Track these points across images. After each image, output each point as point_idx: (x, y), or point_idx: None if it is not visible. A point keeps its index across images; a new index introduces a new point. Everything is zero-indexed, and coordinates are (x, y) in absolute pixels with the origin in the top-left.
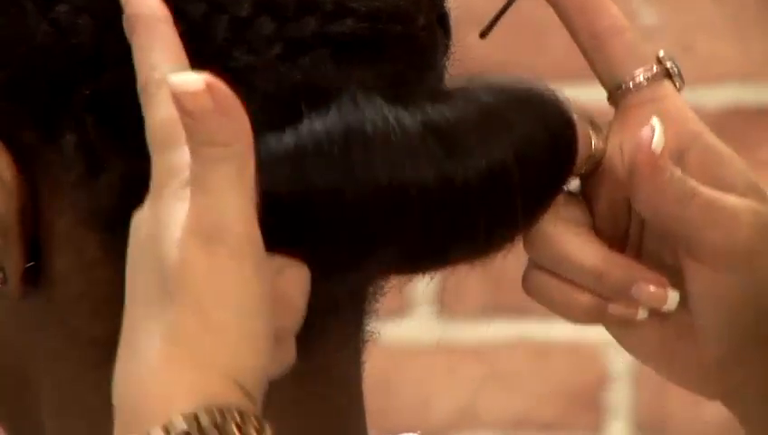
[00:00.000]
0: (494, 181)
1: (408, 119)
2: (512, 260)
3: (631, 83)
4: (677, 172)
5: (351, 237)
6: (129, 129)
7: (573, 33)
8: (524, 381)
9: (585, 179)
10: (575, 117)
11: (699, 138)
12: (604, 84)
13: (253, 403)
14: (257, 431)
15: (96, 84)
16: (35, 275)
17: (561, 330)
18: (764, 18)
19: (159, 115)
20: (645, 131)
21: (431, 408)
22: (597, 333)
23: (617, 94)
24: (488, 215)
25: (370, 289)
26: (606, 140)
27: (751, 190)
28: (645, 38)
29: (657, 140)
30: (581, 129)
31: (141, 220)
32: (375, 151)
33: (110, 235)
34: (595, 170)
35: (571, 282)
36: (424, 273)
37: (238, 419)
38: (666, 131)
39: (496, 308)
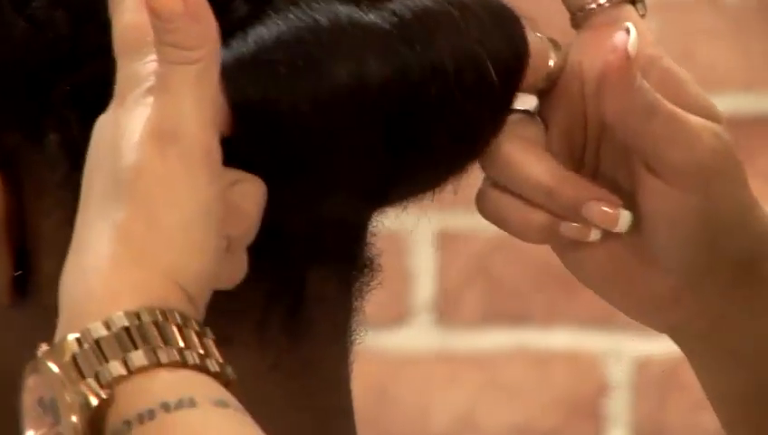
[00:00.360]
0: (443, 80)
1: (366, 14)
2: (510, 269)
3: (594, 4)
4: (645, 84)
5: (313, 146)
6: None
7: None
8: (524, 390)
9: (543, 99)
10: (534, 34)
11: (659, 61)
12: (567, 6)
13: (195, 308)
14: (197, 335)
15: (76, 79)
16: (24, 282)
17: (560, 339)
18: (765, 26)
19: (125, 20)
20: (620, 34)
21: (430, 416)
22: (596, 342)
23: (579, 16)
24: (445, 118)
25: (357, 284)
26: (565, 58)
27: (709, 114)
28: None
29: (633, 42)
30: (540, 44)
31: (103, 124)
32: (332, 48)
33: None
34: (552, 88)
35: (526, 200)
36: (390, 197)
37: (179, 320)
38: None
39: (495, 316)
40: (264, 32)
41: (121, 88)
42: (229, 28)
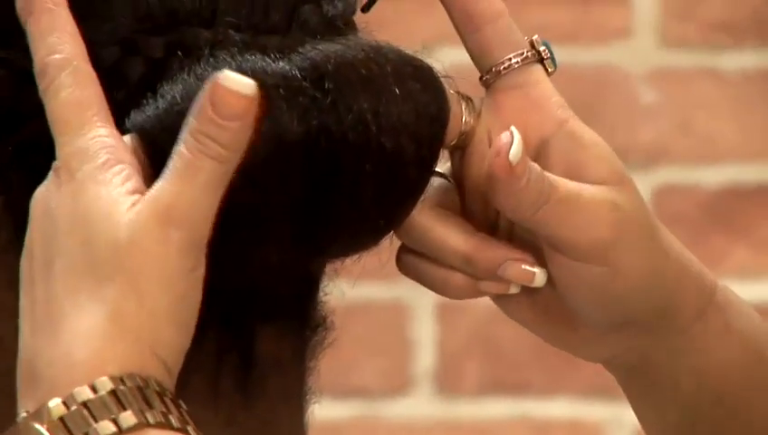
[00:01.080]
0: (364, 138)
1: (283, 65)
2: (510, 338)
3: (501, 67)
4: (535, 172)
5: (238, 202)
6: None
7: (449, 14)
8: None
9: (456, 159)
10: (450, 92)
11: (563, 125)
12: (477, 67)
13: (171, 378)
14: (173, 403)
15: (18, 139)
16: None
17: (560, 408)
18: (763, 98)
19: (66, 97)
20: (502, 139)
21: None
22: (597, 411)
23: (487, 78)
24: (368, 174)
25: (311, 343)
26: (478, 115)
27: (613, 176)
28: (644, 116)
29: (515, 151)
30: (455, 103)
31: (52, 201)
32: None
33: None
34: (465, 148)
35: (443, 263)
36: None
37: (158, 388)
38: (529, 119)
39: (496, 386)
40: (175, 90)
41: (68, 163)
42: (130, 89)
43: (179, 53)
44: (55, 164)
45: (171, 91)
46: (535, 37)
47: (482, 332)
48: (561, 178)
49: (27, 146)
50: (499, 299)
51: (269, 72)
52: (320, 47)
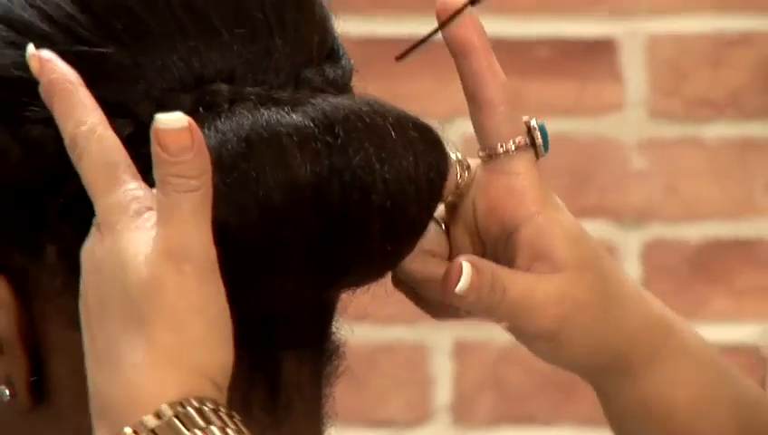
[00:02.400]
0: (371, 186)
1: (296, 116)
2: (518, 375)
3: (495, 152)
4: (486, 285)
5: (261, 242)
6: None
7: (464, 90)
8: None
9: (449, 211)
10: (451, 154)
11: (533, 217)
12: (478, 142)
13: (223, 394)
14: (228, 416)
15: (65, 192)
16: (39, 385)
17: None
18: (740, 164)
19: (95, 162)
20: (456, 268)
21: None
22: None
23: (483, 156)
24: (376, 218)
25: (327, 371)
26: (473, 176)
27: (576, 261)
28: (635, 180)
29: (462, 285)
30: (453, 162)
31: (95, 252)
32: (261, 157)
33: None
34: (458, 202)
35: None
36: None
37: (212, 406)
38: (508, 204)
39: (505, 417)
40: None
41: (106, 218)
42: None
43: (202, 109)
44: (95, 220)
45: None
46: (533, 122)
47: (493, 369)
48: (517, 274)
49: (75, 198)
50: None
51: (283, 123)
52: (329, 100)
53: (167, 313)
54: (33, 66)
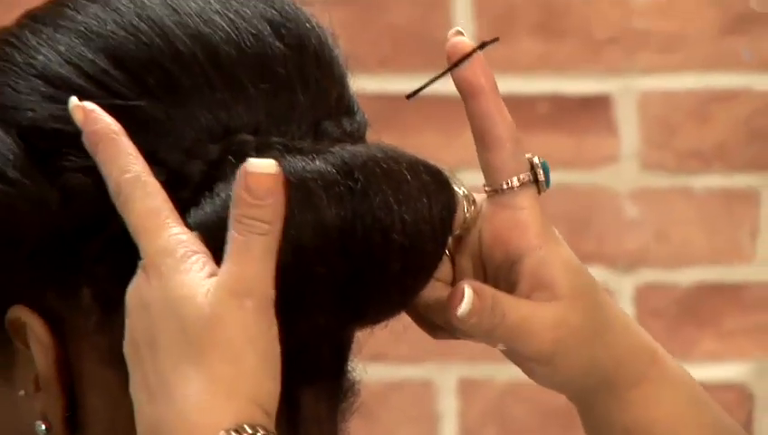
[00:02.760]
0: (390, 227)
1: (319, 163)
2: (520, 411)
3: (500, 188)
4: (487, 310)
5: (293, 282)
6: (132, 271)
7: (472, 130)
8: None
9: (455, 242)
10: (456, 189)
11: (535, 250)
12: (485, 178)
13: (272, 420)
14: None
15: (101, 237)
16: (73, 419)
17: None
18: (726, 213)
19: (141, 207)
20: (458, 292)
21: None
22: None
23: (488, 191)
24: (394, 258)
25: (342, 406)
26: (478, 211)
27: (571, 291)
28: (629, 228)
29: (463, 308)
30: (460, 198)
31: (144, 293)
32: (291, 197)
33: (125, 369)
34: (465, 235)
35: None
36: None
37: (264, 432)
38: (512, 235)
39: None
40: (228, 190)
41: (153, 260)
42: (192, 189)
43: (231, 157)
44: (142, 263)
45: (225, 190)
46: (536, 159)
47: (496, 406)
48: (517, 300)
49: (109, 243)
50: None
51: (308, 169)
52: (348, 148)
53: (225, 346)
54: (77, 116)
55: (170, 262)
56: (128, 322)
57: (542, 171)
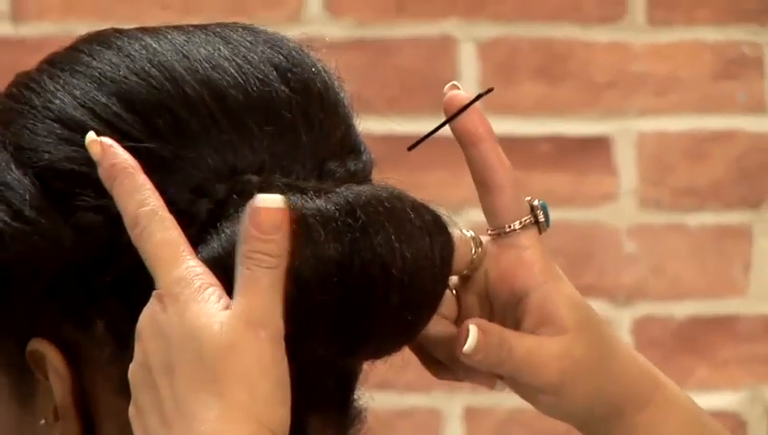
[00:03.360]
0: (391, 264)
1: (320, 202)
2: (521, 433)
3: (503, 231)
4: (494, 345)
5: (296, 314)
6: (143, 303)
7: (472, 177)
8: None
9: (462, 281)
10: (462, 232)
11: (541, 286)
12: (487, 221)
13: None
14: None
15: (113, 271)
16: None
17: None
18: (719, 248)
19: (158, 239)
20: (461, 335)
21: None
22: None
23: (492, 233)
24: (394, 294)
25: (350, 432)
26: (485, 252)
27: (575, 324)
28: (627, 262)
29: (468, 345)
30: (465, 239)
31: (161, 321)
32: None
33: None
34: (473, 274)
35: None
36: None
37: None
38: (518, 273)
39: None
40: (233, 227)
41: (171, 290)
42: (199, 223)
43: (235, 196)
44: (157, 292)
45: (230, 227)
46: (536, 202)
47: (500, 432)
48: (523, 335)
49: (121, 277)
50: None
51: (307, 206)
52: (352, 188)
53: (241, 374)
54: (94, 150)
55: (188, 292)
56: (139, 347)
57: (541, 213)
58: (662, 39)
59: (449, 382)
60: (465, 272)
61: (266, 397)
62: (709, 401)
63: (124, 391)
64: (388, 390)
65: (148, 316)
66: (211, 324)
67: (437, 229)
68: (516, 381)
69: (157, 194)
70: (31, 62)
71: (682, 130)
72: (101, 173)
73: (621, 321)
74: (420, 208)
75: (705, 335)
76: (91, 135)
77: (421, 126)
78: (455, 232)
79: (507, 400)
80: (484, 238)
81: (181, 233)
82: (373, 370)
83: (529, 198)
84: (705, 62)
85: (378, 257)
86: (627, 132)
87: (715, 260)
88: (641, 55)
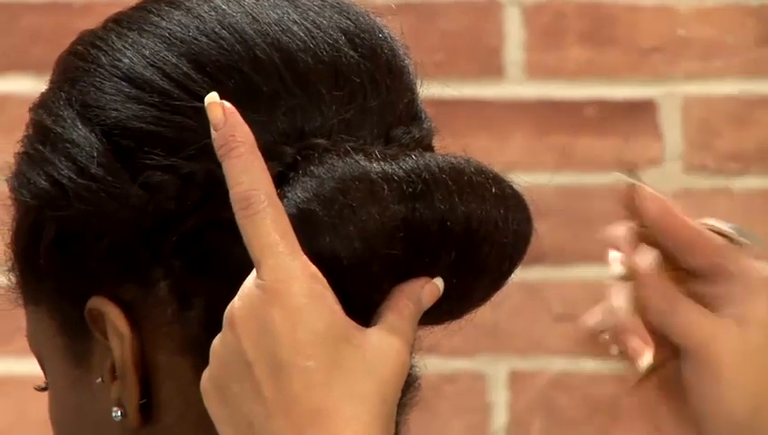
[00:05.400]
0: (463, 232)
1: (384, 165)
2: (567, 402)
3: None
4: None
5: (361, 275)
6: (209, 264)
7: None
8: None
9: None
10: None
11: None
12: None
13: None
14: None
15: (180, 231)
16: (147, 406)
17: None
18: (764, 212)
19: (269, 226)
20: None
21: None
22: None
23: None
24: (459, 262)
25: (404, 400)
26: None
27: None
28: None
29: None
30: (718, 244)
31: (264, 315)
32: (360, 198)
33: (199, 358)
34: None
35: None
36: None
37: None
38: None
39: None
40: (297, 191)
41: (277, 284)
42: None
43: (300, 158)
44: (264, 284)
45: (295, 191)
46: (726, 228)
47: (544, 397)
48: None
49: (186, 238)
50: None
51: (373, 168)
52: (425, 155)
53: (381, 382)
54: (215, 114)
55: (303, 292)
56: (232, 335)
57: (739, 236)
58: (707, 3)
59: (494, 347)
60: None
61: (393, 402)
62: None
63: (185, 352)
64: (434, 354)
65: (249, 307)
66: (346, 333)
67: (516, 204)
68: (687, 364)
69: (270, 178)
70: (80, 25)
71: (727, 94)
72: (217, 139)
73: None
74: (502, 182)
75: None
76: (213, 96)
77: (467, 90)
78: (715, 235)
79: (552, 364)
80: None
81: (290, 224)
82: (424, 335)
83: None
84: (750, 27)
85: (438, 215)
86: (672, 97)
87: (760, 224)
88: (687, 20)
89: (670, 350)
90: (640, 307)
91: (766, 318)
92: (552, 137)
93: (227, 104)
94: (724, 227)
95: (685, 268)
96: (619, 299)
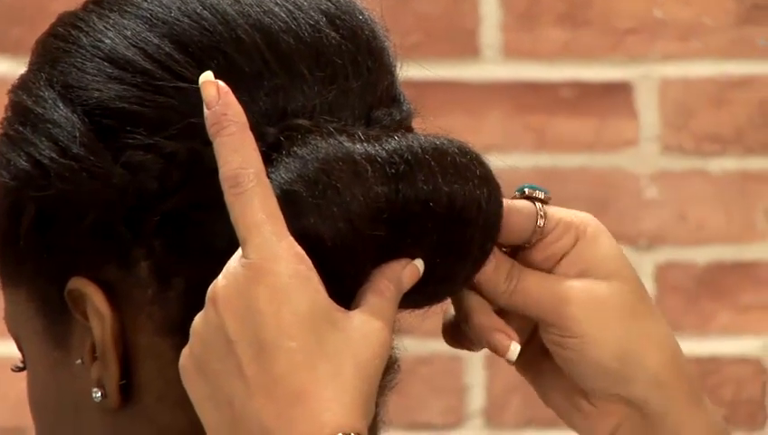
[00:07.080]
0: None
1: (366, 145)
2: None
3: (530, 243)
4: (507, 266)
5: (343, 253)
6: (190, 244)
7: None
8: None
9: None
10: (525, 202)
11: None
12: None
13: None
14: None
15: (162, 210)
16: (127, 387)
17: None
18: (742, 193)
19: (256, 205)
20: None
21: None
22: None
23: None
24: (438, 242)
25: (383, 382)
26: (546, 221)
27: (616, 273)
28: (648, 208)
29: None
30: (529, 208)
31: (248, 293)
32: (344, 178)
33: (179, 339)
34: (536, 243)
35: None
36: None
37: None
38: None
39: (533, 420)
40: (292, 165)
41: (266, 265)
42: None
43: (283, 139)
44: (249, 262)
45: (278, 172)
46: (524, 191)
47: (521, 378)
48: (535, 272)
49: (167, 218)
50: (533, 381)
51: (356, 149)
52: (406, 136)
53: (358, 359)
54: (209, 91)
55: (288, 272)
56: (214, 312)
57: (535, 191)
58: None
59: None
60: (533, 241)
61: (373, 380)
62: (731, 346)
63: (165, 332)
64: (409, 336)
65: (234, 285)
66: (329, 313)
67: (496, 184)
68: (546, 332)
69: (260, 158)
70: (57, 8)
71: (704, 75)
72: (209, 117)
73: (643, 266)
74: (484, 162)
75: (727, 281)
76: (208, 75)
77: (443, 72)
78: (521, 202)
79: None
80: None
81: (278, 205)
82: (402, 317)
83: (515, 194)
84: (728, 8)
85: (421, 194)
86: (649, 78)
87: (737, 206)
88: (663, 1)
89: (528, 322)
90: (486, 294)
91: (602, 260)
92: (528, 118)
93: (222, 84)
94: (525, 190)
95: (511, 246)
96: (470, 300)
